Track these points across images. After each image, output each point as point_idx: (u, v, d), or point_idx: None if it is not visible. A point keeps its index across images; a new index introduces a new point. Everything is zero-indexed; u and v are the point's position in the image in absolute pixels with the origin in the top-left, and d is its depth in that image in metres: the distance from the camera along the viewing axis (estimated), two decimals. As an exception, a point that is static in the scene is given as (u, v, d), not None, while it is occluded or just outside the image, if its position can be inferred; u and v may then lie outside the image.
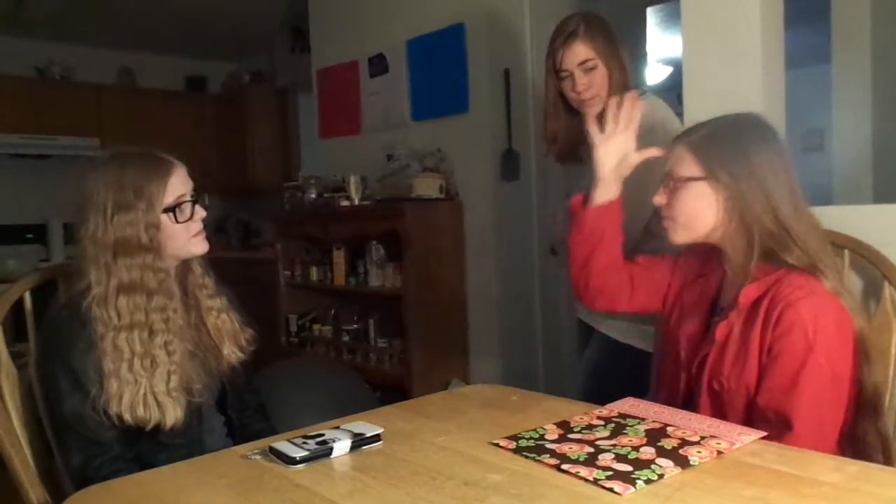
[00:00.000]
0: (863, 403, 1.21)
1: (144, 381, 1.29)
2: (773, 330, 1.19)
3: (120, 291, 1.31)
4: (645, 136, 1.72)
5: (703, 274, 1.42)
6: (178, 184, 1.39)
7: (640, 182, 1.55)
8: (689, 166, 1.28)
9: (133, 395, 1.28)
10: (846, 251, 1.47)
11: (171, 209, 1.37)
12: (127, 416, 1.27)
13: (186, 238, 1.40)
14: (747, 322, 1.24)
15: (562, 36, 1.81)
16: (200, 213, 1.42)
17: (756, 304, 1.24)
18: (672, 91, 2.71)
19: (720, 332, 1.28)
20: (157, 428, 1.31)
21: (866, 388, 1.21)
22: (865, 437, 1.22)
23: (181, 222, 1.38)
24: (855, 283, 1.51)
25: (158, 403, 1.30)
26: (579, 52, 1.78)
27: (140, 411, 1.28)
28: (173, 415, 1.31)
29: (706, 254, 1.42)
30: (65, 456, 1.34)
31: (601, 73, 1.78)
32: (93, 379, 1.28)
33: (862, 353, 1.20)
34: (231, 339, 1.49)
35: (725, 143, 1.27)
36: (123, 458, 1.32)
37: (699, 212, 1.28)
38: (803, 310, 1.17)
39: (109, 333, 1.29)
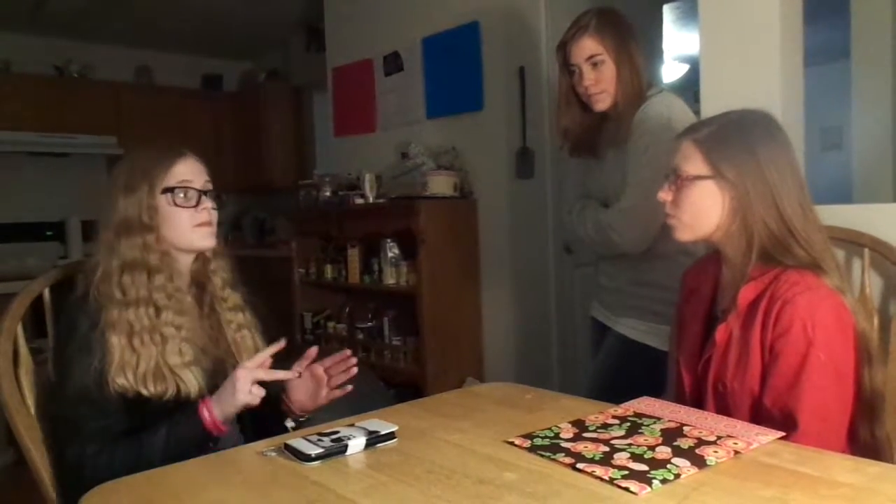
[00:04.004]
0: (861, 404, 1.20)
1: (156, 353, 1.31)
2: (773, 329, 1.19)
3: (123, 269, 1.34)
4: (661, 135, 1.72)
5: (696, 287, 1.42)
6: (185, 170, 1.41)
7: (654, 179, 1.55)
8: (695, 164, 1.27)
9: (146, 366, 1.29)
10: (866, 250, 1.46)
11: (171, 190, 1.38)
12: (142, 389, 1.28)
13: (189, 225, 1.39)
14: (746, 323, 1.23)
15: (572, 30, 1.81)
16: (207, 203, 1.42)
17: (754, 304, 1.23)
18: (688, 89, 2.69)
19: (720, 335, 1.27)
20: (178, 402, 1.31)
21: (865, 388, 1.19)
22: (862, 439, 1.21)
23: (180, 206, 1.39)
24: (874, 282, 1.49)
25: (175, 375, 1.31)
26: (587, 46, 1.78)
27: (157, 384, 1.29)
28: (196, 384, 1.33)
29: (697, 271, 1.44)
30: (63, 446, 1.31)
31: (609, 69, 1.78)
32: (99, 355, 1.28)
33: (863, 352, 1.19)
34: (251, 354, 1.48)
35: (733, 141, 1.25)
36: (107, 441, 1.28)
37: (705, 210, 1.27)
38: (801, 305, 1.16)
39: (117, 309, 1.31)
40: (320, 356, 1.47)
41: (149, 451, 1.26)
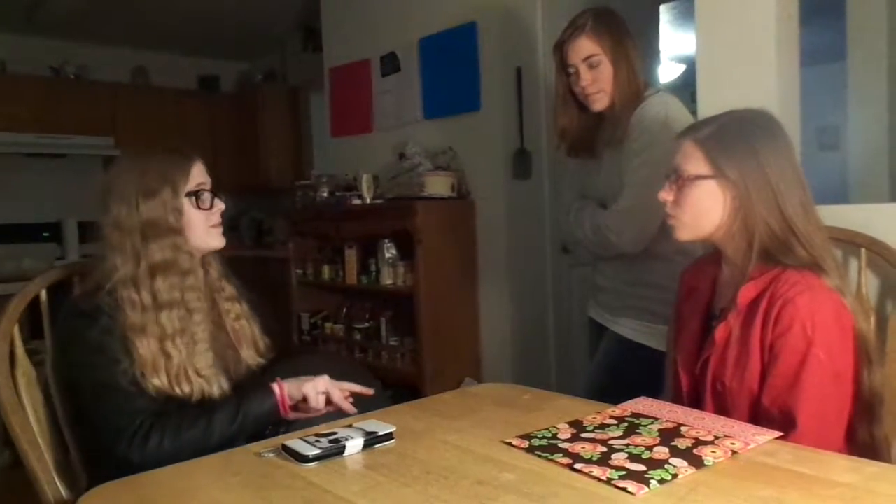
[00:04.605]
0: (860, 405, 1.21)
1: (184, 356, 1.32)
2: (773, 328, 1.19)
3: (155, 273, 1.34)
4: (659, 135, 1.72)
5: (695, 287, 1.42)
6: (199, 173, 1.44)
7: (652, 179, 1.55)
8: (697, 163, 1.27)
9: (177, 368, 1.31)
10: (863, 250, 1.46)
11: (194, 194, 1.41)
12: (176, 389, 1.30)
13: (205, 228, 1.43)
14: (746, 322, 1.24)
15: (569, 30, 1.81)
16: (220, 205, 1.46)
17: (754, 303, 1.23)
18: (685, 89, 2.70)
19: (719, 334, 1.27)
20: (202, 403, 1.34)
21: (864, 389, 1.20)
22: (861, 440, 1.21)
23: (202, 209, 1.42)
24: (871, 282, 1.49)
25: (203, 377, 1.34)
26: (584, 47, 1.78)
27: (184, 386, 1.31)
28: (219, 387, 1.36)
29: (696, 271, 1.44)
30: (94, 437, 1.32)
31: (606, 69, 1.78)
32: (126, 359, 1.28)
33: (862, 353, 1.20)
34: (250, 343, 1.52)
35: (734, 140, 1.25)
36: (157, 415, 1.30)
37: (706, 210, 1.27)
38: (801, 305, 1.16)
39: (144, 314, 1.31)
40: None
41: (218, 423, 1.29)
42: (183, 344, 1.33)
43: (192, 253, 1.41)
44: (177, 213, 1.38)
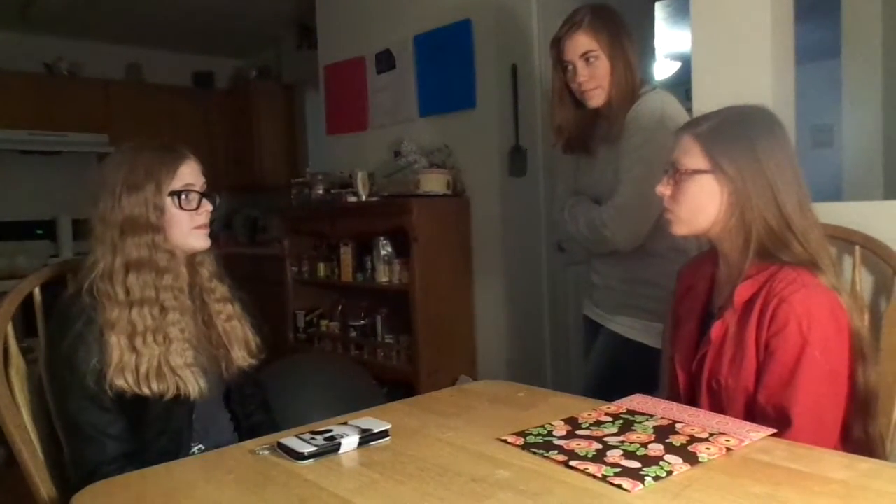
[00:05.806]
0: (855, 402, 1.21)
1: (158, 353, 1.31)
2: (769, 327, 1.19)
3: (129, 268, 1.33)
4: (655, 132, 1.72)
5: (692, 285, 1.42)
6: (188, 173, 1.42)
7: (647, 176, 1.55)
8: (694, 158, 1.27)
9: (148, 366, 1.29)
10: (857, 247, 1.46)
11: (177, 194, 1.39)
12: (145, 389, 1.28)
13: (189, 228, 1.41)
14: (742, 320, 1.24)
15: (566, 26, 1.81)
16: (207, 206, 1.44)
17: (750, 301, 1.23)
18: (680, 87, 2.70)
19: (715, 332, 1.27)
20: (176, 401, 1.32)
21: (859, 387, 1.20)
22: (856, 437, 1.22)
23: (185, 209, 1.40)
24: (865, 279, 1.50)
25: (177, 376, 1.31)
26: (581, 42, 1.77)
27: (159, 384, 1.29)
28: (196, 386, 1.33)
29: (693, 269, 1.44)
30: (70, 458, 1.34)
31: (603, 66, 1.77)
32: (97, 354, 1.28)
33: (857, 351, 1.20)
34: (241, 344, 1.50)
35: (733, 135, 1.25)
36: (126, 457, 1.31)
37: (703, 205, 1.27)
38: (796, 303, 1.16)
39: (117, 309, 1.30)
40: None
41: None
42: (155, 342, 1.31)
43: (173, 252, 1.39)
44: (158, 210, 1.36)
